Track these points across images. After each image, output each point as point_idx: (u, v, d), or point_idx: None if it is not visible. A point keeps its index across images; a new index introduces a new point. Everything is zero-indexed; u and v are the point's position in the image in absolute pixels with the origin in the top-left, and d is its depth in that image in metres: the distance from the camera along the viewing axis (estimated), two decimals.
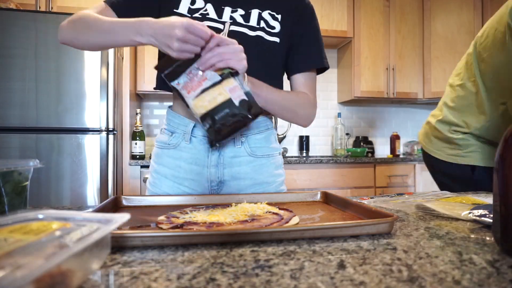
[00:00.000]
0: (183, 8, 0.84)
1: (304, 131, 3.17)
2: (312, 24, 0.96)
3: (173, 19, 0.66)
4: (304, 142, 3.08)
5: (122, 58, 2.27)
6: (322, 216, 0.66)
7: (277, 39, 0.88)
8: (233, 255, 0.43)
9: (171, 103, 0.97)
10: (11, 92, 1.91)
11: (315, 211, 0.71)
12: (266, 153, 0.92)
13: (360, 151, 2.92)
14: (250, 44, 0.81)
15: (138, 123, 2.46)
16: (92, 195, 2.01)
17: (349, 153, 2.95)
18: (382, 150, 3.35)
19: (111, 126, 2.03)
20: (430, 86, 3.05)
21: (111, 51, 2.02)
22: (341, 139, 3.07)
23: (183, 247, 0.46)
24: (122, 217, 0.37)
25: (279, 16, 0.89)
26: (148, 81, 2.54)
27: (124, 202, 0.75)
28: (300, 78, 0.96)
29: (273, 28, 0.88)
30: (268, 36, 0.87)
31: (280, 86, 0.93)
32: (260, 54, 0.86)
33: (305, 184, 2.52)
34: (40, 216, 0.37)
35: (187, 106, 0.73)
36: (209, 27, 0.79)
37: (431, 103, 3.35)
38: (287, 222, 0.57)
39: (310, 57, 0.96)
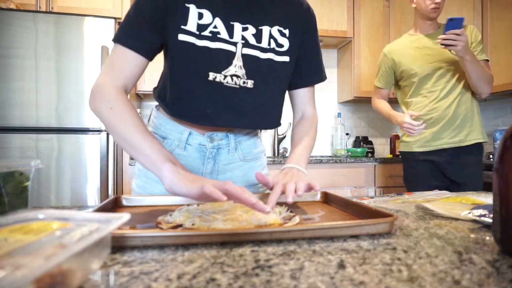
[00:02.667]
0: (192, 25, 0.76)
1: None
2: (316, 37, 0.95)
3: (189, 186, 0.59)
4: None
5: None
6: (322, 216, 0.66)
7: (287, 58, 0.86)
8: (233, 255, 0.43)
9: None
10: (11, 92, 1.91)
11: (315, 211, 0.71)
12: (255, 156, 0.95)
13: (360, 151, 2.92)
14: (262, 66, 0.83)
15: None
16: (92, 195, 2.01)
17: (349, 153, 2.95)
18: (382, 150, 3.35)
19: None
20: None
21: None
22: (341, 139, 3.07)
23: (183, 247, 0.46)
24: (122, 217, 0.37)
25: (286, 31, 0.86)
26: (148, 81, 2.54)
27: (124, 202, 0.75)
28: (302, 94, 0.97)
29: (282, 46, 0.85)
30: (278, 56, 0.84)
31: (283, 102, 0.94)
32: (271, 75, 0.85)
33: None
34: (40, 216, 0.37)
35: None
36: (221, 49, 0.78)
37: None
38: (287, 222, 0.57)
39: (314, 73, 0.96)
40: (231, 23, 0.80)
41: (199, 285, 0.34)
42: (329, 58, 3.22)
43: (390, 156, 2.98)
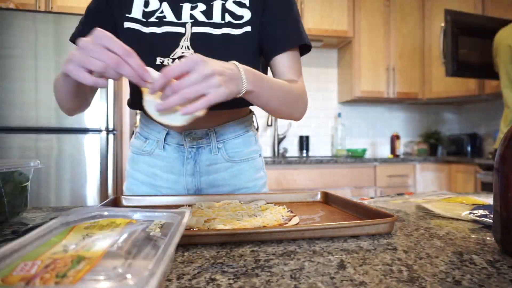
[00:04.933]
0: (137, 12, 0.75)
1: (304, 131, 3.17)
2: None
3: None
4: (304, 142, 3.07)
5: None
6: (322, 216, 0.66)
7: (248, 28, 0.77)
8: (233, 255, 0.43)
9: None
10: (11, 92, 1.91)
11: (315, 211, 0.71)
12: (245, 157, 0.87)
13: (360, 151, 2.92)
14: (218, 44, 0.76)
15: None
16: (92, 195, 2.00)
17: (349, 153, 2.95)
18: (382, 150, 3.35)
19: (111, 126, 2.03)
20: (430, 86, 3.05)
21: None
22: (341, 139, 3.07)
23: (183, 247, 0.46)
24: (185, 212, 0.36)
25: (246, 1, 0.78)
26: None
27: (124, 202, 0.75)
28: (283, 61, 0.81)
29: (241, 18, 0.77)
30: (236, 30, 0.76)
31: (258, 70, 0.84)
32: (231, 52, 0.76)
33: (305, 184, 2.52)
34: (105, 213, 0.37)
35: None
36: (168, 33, 0.74)
37: (431, 103, 3.35)
38: (287, 222, 0.56)
39: (289, 34, 0.81)
40: (180, 4, 0.77)
41: (199, 285, 0.34)
42: (329, 58, 3.22)
43: (391, 156, 2.98)
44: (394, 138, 3.03)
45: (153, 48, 0.76)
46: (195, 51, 0.75)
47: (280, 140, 3.06)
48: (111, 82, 2.01)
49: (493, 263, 0.41)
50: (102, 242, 0.30)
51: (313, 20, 2.80)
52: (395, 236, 0.52)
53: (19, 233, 0.53)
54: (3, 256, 0.26)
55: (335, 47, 3.18)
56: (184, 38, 0.75)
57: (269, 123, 2.91)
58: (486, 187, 2.43)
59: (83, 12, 0.82)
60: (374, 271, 0.38)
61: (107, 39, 0.50)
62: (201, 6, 0.77)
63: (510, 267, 0.40)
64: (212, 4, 0.77)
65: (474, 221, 0.61)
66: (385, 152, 3.32)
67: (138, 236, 0.31)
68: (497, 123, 3.11)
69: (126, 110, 2.29)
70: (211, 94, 0.52)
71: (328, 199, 0.80)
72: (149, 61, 0.75)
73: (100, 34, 0.50)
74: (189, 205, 0.73)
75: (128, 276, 0.24)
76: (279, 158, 2.70)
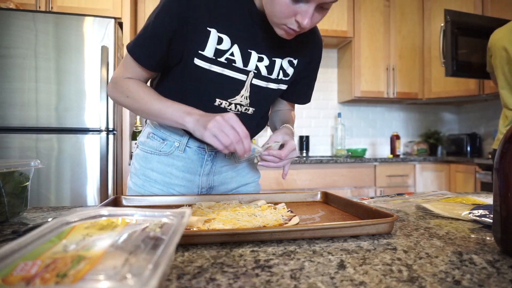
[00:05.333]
0: (209, 50, 0.75)
1: (304, 131, 3.17)
2: (318, 66, 0.96)
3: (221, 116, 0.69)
4: (304, 142, 3.07)
5: (122, 57, 2.26)
6: (322, 216, 0.66)
7: (284, 87, 0.88)
8: (233, 255, 0.43)
9: None
10: (11, 92, 1.91)
11: (315, 211, 0.71)
12: (247, 157, 0.97)
13: (360, 151, 2.92)
14: (264, 95, 0.86)
15: (138, 123, 2.46)
16: (92, 195, 2.01)
17: (349, 153, 2.95)
18: (382, 150, 3.35)
19: (111, 126, 2.03)
20: (430, 86, 3.05)
21: (111, 51, 2.02)
22: (341, 139, 3.07)
23: (183, 247, 0.46)
24: (188, 211, 0.36)
25: (295, 61, 0.86)
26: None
27: (124, 202, 0.75)
28: (285, 103, 1.01)
29: (287, 75, 0.86)
30: (282, 85, 0.87)
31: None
32: (268, 100, 0.90)
33: (305, 184, 2.52)
34: (106, 213, 0.37)
35: None
36: (233, 78, 0.79)
37: (431, 103, 3.35)
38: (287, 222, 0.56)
39: (303, 95, 0.98)
40: (249, 51, 0.79)
41: (199, 285, 0.34)
42: (329, 58, 3.22)
43: (391, 156, 2.98)
44: (394, 138, 3.03)
45: (215, 89, 0.80)
46: (249, 101, 0.84)
47: None
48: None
49: (493, 263, 0.41)
50: (102, 242, 0.30)
51: None
52: (395, 236, 0.52)
53: (19, 233, 0.53)
54: (3, 256, 0.26)
55: (335, 47, 3.18)
56: (244, 87, 0.82)
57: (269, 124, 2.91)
58: (485, 187, 2.43)
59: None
60: (374, 271, 0.38)
61: (236, 121, 0.69)
62: (266, 61, 0.82)
63: (510, 267, 0.40)
64: (274, 61, 0.83)
65: (474, 221, 0.61)
66: (385, 152, 3.33)
67: (138, 236, 0.31)
68: (496, 123, 3.11)
69: (126, 110, 2.28)
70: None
71: (328, 199, 0.80)
72: (209, 100, 0.81)
73: (233, 118, 0.69)
74: (189, 205, 0.73)
75: (128, 276, 0.24)
76: None
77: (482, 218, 0.60)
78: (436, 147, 3.32)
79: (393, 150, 3.03)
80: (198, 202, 0.73)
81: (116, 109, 2.07)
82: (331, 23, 2.84)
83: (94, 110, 1.98)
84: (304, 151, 3.08)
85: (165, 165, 0.88)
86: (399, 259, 0.42)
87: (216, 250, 0.45)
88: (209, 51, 0.75)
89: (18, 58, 1.91)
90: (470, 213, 0.63)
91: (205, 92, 0.80)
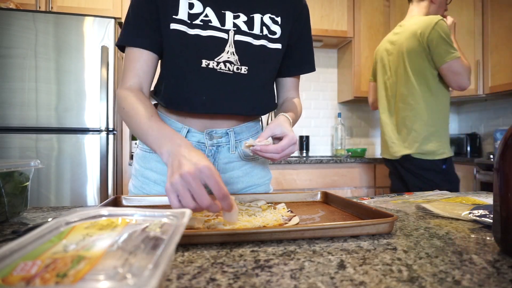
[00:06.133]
0: (183, 13, 0.79)
1: (304, 131, 3.17)
2: (308, 26, 0.95)
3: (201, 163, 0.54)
4: (304, 142, 3.07)
5: (122, 58, 2.27)
6: (322, 216, 0.66)
7: (279, 46, 0.86)
8: (233, 255, 0.43)
9: None
10: (11, 92, 1.91)
11: (315, 211, 0.71)
12: (255, 155, 0.93)
13: (360, 151, 2.91)
14: (255, 53, 0.84)
15: None
16: (92, 195, 2.00)
17: (349, 153, 2.95)
18: None
19: (111, 126, 2.03)
20: None
21: (111, 51, 2.02)
22: (341, 139, 3.07)
23: (183, 247, 0.46)
24: (188, 211, 0.36)
25: (279, 19, 0.87)
26: None
27: (124, 202, 0.75)
28: (290, 82, 0.97)
29: (275, 33, 0.86)
30: (270, 43, 0.85)
31: (273, 89, 0.95)
32: (265, 62, 0.86)
33: (305, 184, 2.52)
34: (106, 213, 0.37)
35: None
36: (213, 37, 0.79)
37: None
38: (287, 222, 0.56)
39: (304, 63, 0.95)
40: (222, 11, 0.81)
41: (199, 285, 0.34)
42: (329, 58, 3.22)
43: None
44: None
45: (199, 50, 0.80)
46: (238, 58, 0.82)
47: None
48: (111, 82, 2.02)
49: (493, 263, 0.41)
50: (102, 242, 0.30)
51: (313, 20, 2.80)
52: (395, 236, 0.52)
53: (19, 233, 0.53)
54: (3, 256, 0.26)
55: (335, 47, 3.18)
56: (228, 43, 0.81)
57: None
58: (485, 187, 2.43)
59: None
60: (374, 271, 0.38)
61: (211, 179, 0.52)
62: (243, 17, 0.83)
63: (510, 267, 0.40)
64: (253, 17, 0.83)
65: (474, 221, 0.61)
66: None
67: (138, 236, 0.31)
68: (496, 123, 3.11)
69: None
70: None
71: (328, 199, 0.80)
72: (195, 63, 0.80)
73: (208, 173, 0.52)
74: None
75: (128, 276, 0.24)
76: None
77: (482, 218, 0.60)
78: None
79: None
80: None
81: (116, 109, 2.07)
82: (331, 23, 2.84)
83: (94, 110, 1.98)
84: (304, 151, 3.08)
85: (163, 164, 0.86)
86: (399, 259, 0.42)
87: (216, 250, 0.45)
88: (182, 15, 0.79)
89: (18, 58, 1.91)
90: (470, 213, 0.63)
91: (190, 55, 0.80)
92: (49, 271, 0.24)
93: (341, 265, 0.40)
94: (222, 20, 0.81)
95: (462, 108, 3.50)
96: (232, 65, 0.82)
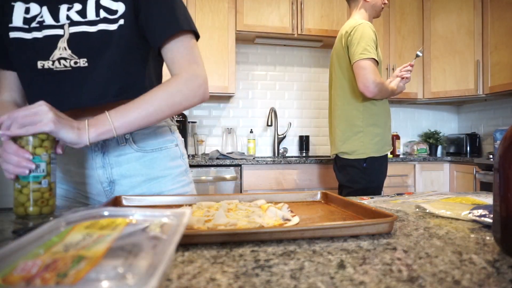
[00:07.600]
0: (17, 20, 0.77)
1: (304, 131, 3.17)
2: None
3: None
4: (304, 142, 3.08)
5: None
6: (322, 216, 0.66)
7: (121, 21, 0.78)
8: (233, 255, 0.43)
9: None
10: None
11: (315, 211, 0.71)
12: (158, 146, 0.90)
13: None
14: (95, 41, 0.78)
15: None
16: None
17: None
18: None
19: None
20: (430, 86, 3.05)
21: None
22: None
23: (183, 247, 0.46)
24: (188, 211, 0.36)
25: None
26: None
27: (124, 202, 0.75)
28: (167, 52, 0.82)
29: (116, 12, 0.78)
30: (112, 24, 0.78)
31: (144, 67, 0.85)
32: (108, 45, 0.78)
33: (305, 184, 2.52)
34: (106, 213, 0.37)
35: None
36: (48, 36, 0.78)
37: (431, 103, 3.35)
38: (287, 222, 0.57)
39: (164, 23, 0.80)
40: (58, 6, 0.79)
41: (199, 285, 0.34)
42: (329, 58, 3.22)
43: (390, 156, 2.98)
44: (394, 138, 3.03)
45: (33, 52, 0.79)
46: (72, 51, 0.78)
47: (280, 140, 3.06)
48: None
49: (492, 263, 0.41)
50: (102, 242, 0.30)
51: (313, 20, 2.80)
52: (395, 236, 0.52)
53: (19, 233, 0.53)
54: (4, 256, 0.26)
55: None
56: (62, 39, 0.78)
57: (269, 123, 2.91)
58: (485, 187, 2.43)
59: None
60: (374, 271, 0.38)
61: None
62: (77, 6, 0.78)
63: (510, 267, 0.40)
64: (86, 2, 0.79)
65: (474, 221, 0.61)
66: None
67: (138, 236, 0.31)
68: (496, 123, 3.11)
69: None
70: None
71: (328, 199, 0.80)
72: (30, 66, 0.79)
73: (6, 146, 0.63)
74: (189, 205, 0.73)
75: (128, 276, 0.24)
76: (279, 158, 2.70)
77: (482, 218, 0.60)
78: (436, 147, 3.32)
79: (393, 150, 3.03)
80: (198, 202, 0.73)
81: None
82: (331, 23, 2.84)
83: None
84: (304, 151, 3.08)
85: (64, 164, 0.87)
86: (399, 259, 0.42)
87: (216, 250, 0.45)
88: (17, 22, 0.78)
89: None
90: (470, 213, 0.63)
91: (25, 60, 0.79)
92: (49, 271, 0.24)
93: (341, 265, 0.40)
94: (55, 16, 0.78)
95: (462, 108, 3.51)
96: (68, 60, 0.78)
